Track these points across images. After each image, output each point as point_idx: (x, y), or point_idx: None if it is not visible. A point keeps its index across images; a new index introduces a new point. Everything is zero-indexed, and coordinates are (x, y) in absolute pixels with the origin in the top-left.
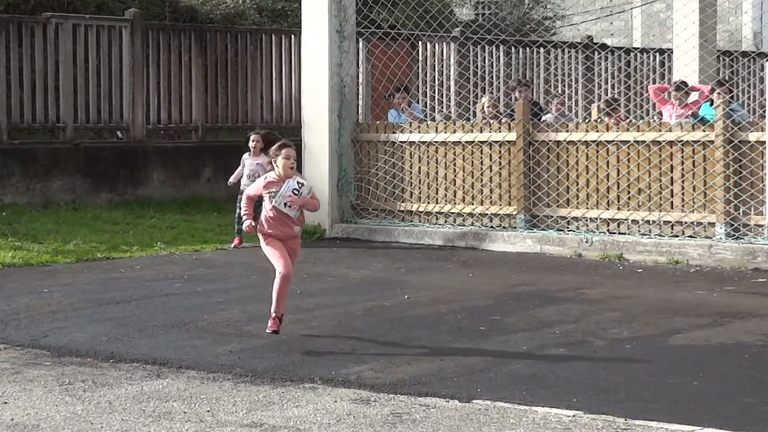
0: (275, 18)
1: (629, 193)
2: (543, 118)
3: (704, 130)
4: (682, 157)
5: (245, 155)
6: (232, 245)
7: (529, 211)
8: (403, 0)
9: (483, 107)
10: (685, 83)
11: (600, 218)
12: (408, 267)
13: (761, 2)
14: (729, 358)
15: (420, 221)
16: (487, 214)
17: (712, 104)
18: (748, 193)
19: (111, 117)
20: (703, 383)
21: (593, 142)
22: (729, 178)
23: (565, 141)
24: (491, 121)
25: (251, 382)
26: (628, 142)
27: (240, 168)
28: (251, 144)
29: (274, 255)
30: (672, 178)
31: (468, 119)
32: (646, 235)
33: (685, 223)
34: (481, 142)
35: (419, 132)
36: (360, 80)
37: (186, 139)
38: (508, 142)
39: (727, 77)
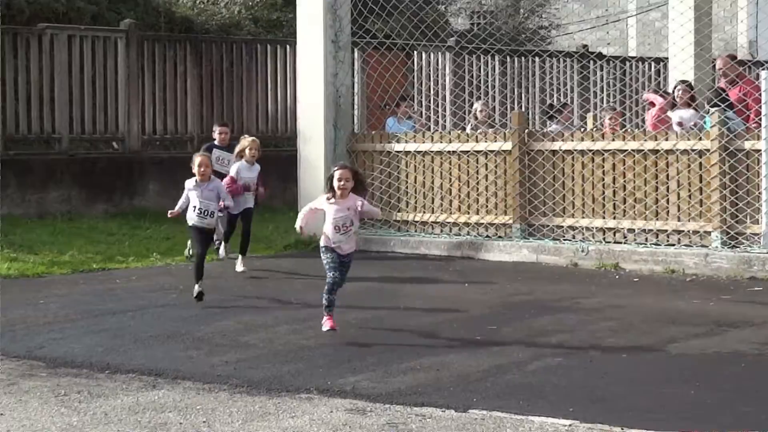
0: (270, 28)
1: (625, 202)
2: (549, 128)
3: (700, 139)
4: (678, 165)
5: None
6: (326, 327)
7: (525, 221)
8: (399, 10)
9: (476, 112)
10: (656, 89)
11: (596, 227)
12: (404, 277)
13: (756, 11)
14: (725, 367)
15: (416, 231)
16: (483, 223)
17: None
18: (744, 202)
19: (106, 128)
20: (699, 392)
21: (589, 151)
22: (725, 187)
23: (561, 150)
24: (482, 127)
25: (247, 393)
26: (624, 150)
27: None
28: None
29: None
30: (668, 186)
31: (463, 128)
32: (642, 244)
33: (681, 232)
34: (477, 151)
35: (415, 142)
36: (355, 90)
37: (181, 150)
38: (504, 151)
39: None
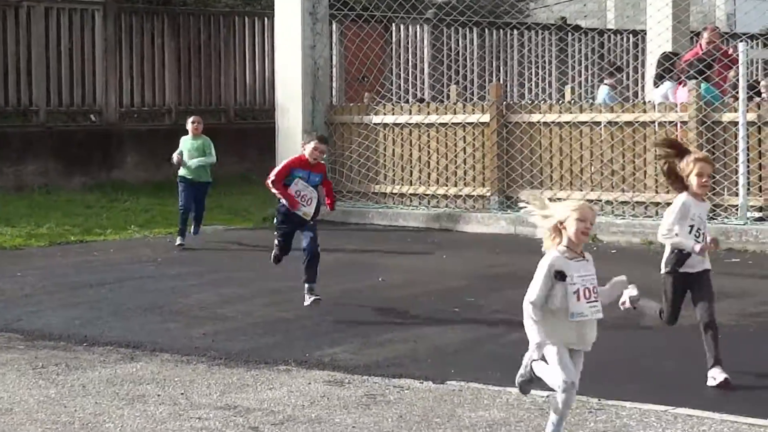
0: (248, 0)
1: (602, 173)
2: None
3: (677, 111)
4: (656, 137)
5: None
6: None
7: (503, 193)
8: None
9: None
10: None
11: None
12: (382, 249)
13: None
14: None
15: (394, 203)
16: (461, 195)
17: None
18: (721, 174)
19: (84, 100)
20: (677, 364)
21: (567, 123)
22: None
23: (538, 122)
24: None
25: (225, 365)
26: (601, 123)
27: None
28: None
29: None
30: (645, 159)
31: (442, 101)
32: (619, 215)
33: (659, 204)
34: (455, 123)
35: (393, 114)
36: (333, 63)
37: (159, 122)
38: (482, 123)
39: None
